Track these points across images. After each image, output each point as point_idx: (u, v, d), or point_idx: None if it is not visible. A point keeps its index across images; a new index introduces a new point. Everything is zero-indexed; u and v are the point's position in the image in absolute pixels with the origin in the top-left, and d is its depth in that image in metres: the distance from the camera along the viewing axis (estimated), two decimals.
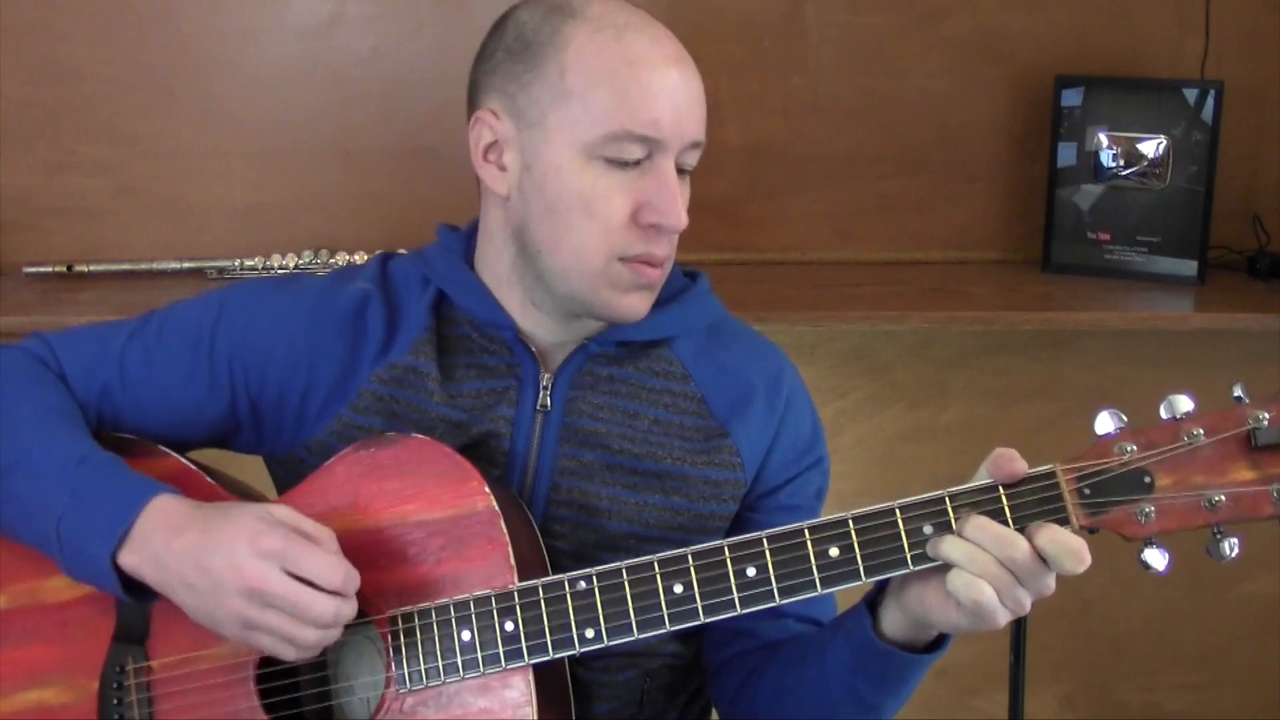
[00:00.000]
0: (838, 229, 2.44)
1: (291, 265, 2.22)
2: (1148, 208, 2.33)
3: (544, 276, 1.29)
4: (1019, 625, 1.97)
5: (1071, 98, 2.33)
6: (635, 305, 1.29)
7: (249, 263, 2.23)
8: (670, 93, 1.25)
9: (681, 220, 1.25)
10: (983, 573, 1.11)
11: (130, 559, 1.19)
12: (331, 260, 2.21)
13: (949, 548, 1.12)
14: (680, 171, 1.28)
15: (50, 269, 2.23)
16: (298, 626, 1.16)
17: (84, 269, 2.24)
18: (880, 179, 2.42)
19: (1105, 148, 2.32)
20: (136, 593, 1.22)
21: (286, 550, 1.16)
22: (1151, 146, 2.31)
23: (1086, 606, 2.53)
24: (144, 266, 2.26)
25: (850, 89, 2.38)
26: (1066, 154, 2.35)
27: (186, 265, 2.25)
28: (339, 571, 1.17)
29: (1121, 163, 2.32)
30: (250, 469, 1.41)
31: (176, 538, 1.19)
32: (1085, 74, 2.34)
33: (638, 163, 1.25)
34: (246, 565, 1.16)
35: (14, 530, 1.26)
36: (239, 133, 2.28)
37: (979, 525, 1.12)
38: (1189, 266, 2.32)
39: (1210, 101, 2.26)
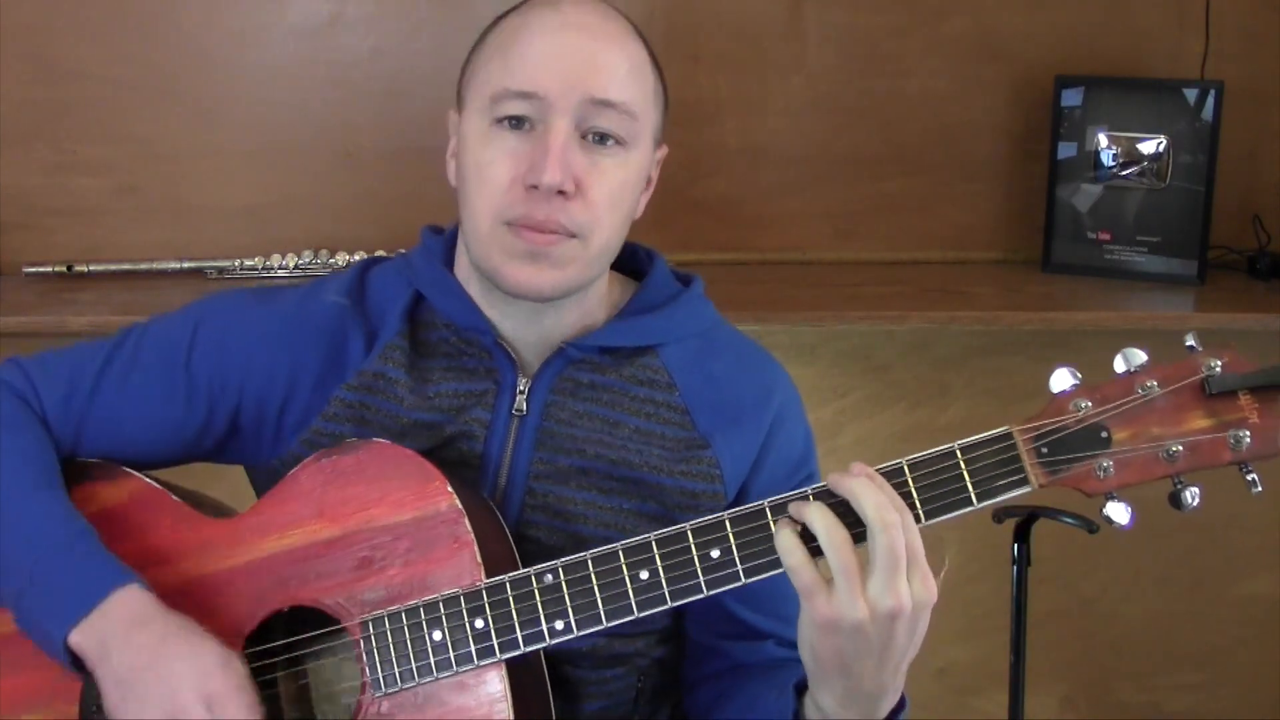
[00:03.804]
0: (838, 229, 2.44)
1: (291, 265, 2.22)
2: (1148, 208, 2.33)
3: (468, 251, 1.30)
4: (1019, 625, 1.97)
5: (1071, 98, 2.33)
6: (526, 276, 1.25)
7: (249, 263, 2.23)
8: (556, 52, 1.23)
9: (552, 176, 1.21)
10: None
11: (78, 638, 1.20)
12: (331, 260, 2.21)
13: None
14: (596, 145, 1.24)
15: (50, 269, 2.23)
16: None
17: (84, 269, 2.24)
18: (880, 179, 2.42)
19: (1105, 147, 2.33)
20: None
21: (225, 699, 1.17)
22: (1151, 146, 2.31)
23: (1086, 606, 2.53)
24: (144, 266, 2.26)
25: (850, 89, 2.38)
26: (1066, 154, 2.35)
27: (186, 265, 2.25)
28: None
29: (1121, 162, 2.32)
30: (229, 477, 1.42)
31: (133, 632, 1.19)
32: (1085, 74, 2.34)
33: (532, 128, 1.23)
34: (181, 695, 1.16)
35: None
36: (239, 133, 2.28)
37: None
38: (1189, 266, 2.32)
39: (1210, 101, 2.26)
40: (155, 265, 2.26)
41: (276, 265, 2.22)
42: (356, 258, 2.19)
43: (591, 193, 1.24)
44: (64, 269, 2.23)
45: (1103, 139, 2.33)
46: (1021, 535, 1.95)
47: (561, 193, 1.22)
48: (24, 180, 2.25)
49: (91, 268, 2.24)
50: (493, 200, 1.24)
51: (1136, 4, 2.39)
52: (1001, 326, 2.26)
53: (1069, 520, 1.84)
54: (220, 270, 2.24)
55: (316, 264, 2.21)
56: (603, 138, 1.25)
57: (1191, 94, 2.28)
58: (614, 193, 1.26)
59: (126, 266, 2.26)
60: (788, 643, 1.36)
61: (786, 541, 1.12)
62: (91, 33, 2.23)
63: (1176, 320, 2.23)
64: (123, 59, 2.24)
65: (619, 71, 1.25)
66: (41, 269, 2.23)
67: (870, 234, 2.44)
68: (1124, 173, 2.33)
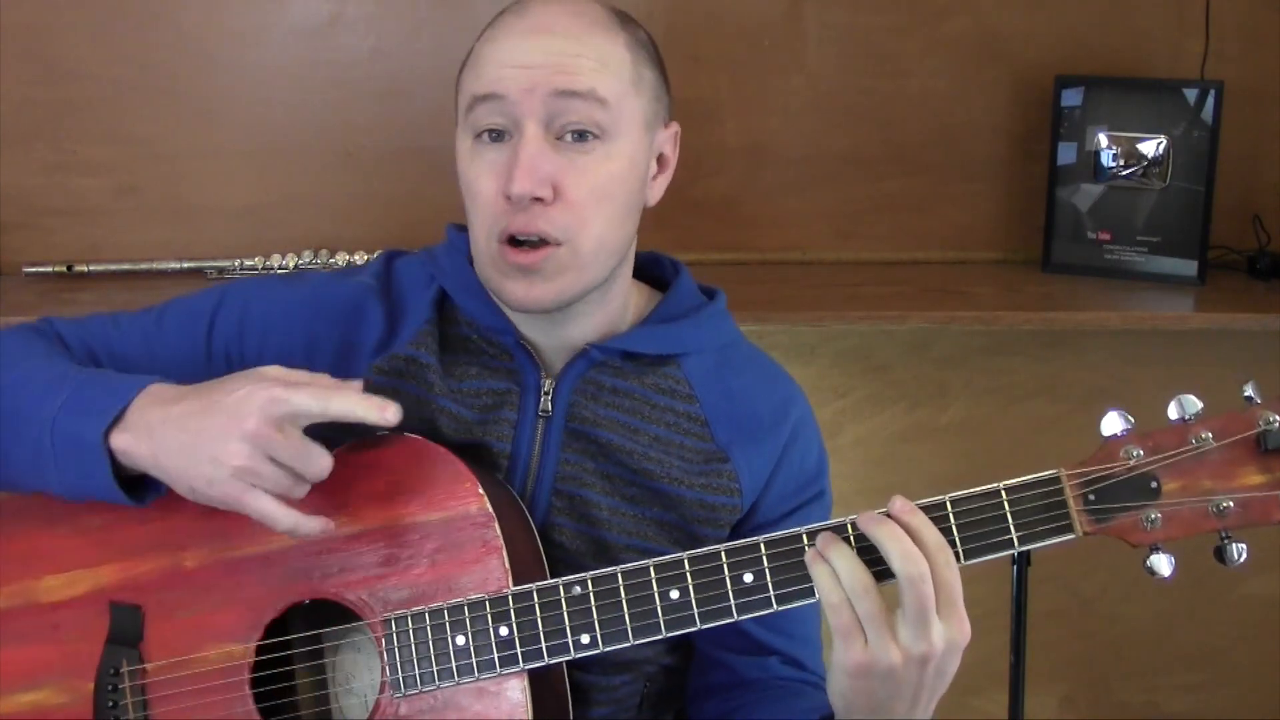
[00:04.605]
0: (838, 229, 2.44)
1: (291, 265, 2.22)
2: (1148, 208, 2.33)
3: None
4: (1019, 625, 1.97)
5: (1071, 98, 2.33)
6: (523, 292, 1.24)
7: (249, 263, 2.23)
8: (517, 53, 1.22)
9: (520, 185, 1.20)
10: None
11: (122, 438, 1.18)
12: (331, 260, 2.21)
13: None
14: (572, 145, 1.23)
15: (50, 269, 2.23)
16: (296, 484, 1.16)
17: (84, 269, 2.24)
18: (880, 179, 2.42)
19: (1105, 148, 2.32)
20: (131, 491, 1.21)
21: (280, 395, 1.15)
22: (1151, 146, 2.30)
23: (1086, 606, 2.53)
24: (144, 266, 2.26)
25: (850, 89, 2.38)
26: (1066, 154, 2.35)
27: (186, 265, 2.25)
28: (326, 389, 1.16)
29: (1121, 163, 2.32)
30: None
31: (172, 406, 1.18)
32: (1085, 74, 2.34)
33: (510, 137, 1.23)
34: (249, 414, 1.14)
35: (4, 449, 1.24)
36: (239, 133, 2.28)
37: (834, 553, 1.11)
38: (1189, 266, 2.32)
39: (1210, 101, 2.26)
40: (155, 265, 2.26)
41: (276, 265, 2.22)
42: (357, 257, 2.20)
43: (571, 193, 1.22)
44: (64, 269, 2.23)
45: (1103, 139, 2.32)
46: None
47: (540, 199, 1.21)
48: (24, 180, 2.25)
49: (91, 268, 2.24)
50: (484, 216, 1.24)
51: (1136, 4, 2.39)
52: (1001, 326, 2.26)
53: None
54: (220, 270, 2.24)
55: (316, 264, 2.21)
56: (581, 135, 1.23)
57: (1191, 94, 2.28)
58: (599, 189, 1.24)
59: (126, 266, 2.26)
60: (792, 660, 1.36)
61: (826, 581, 1.11)
62: (91, 33, 2.23)
63: (1176, 320, 2.23)
64: (123, 59, 2.24)
65: (583, 63, 1.23)
66: (41, 269, 2.23)
67: (870, 234, 2.44)
68: (1124, 173, 2.33)
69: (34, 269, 2.23)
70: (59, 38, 2.23)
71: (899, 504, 1.12)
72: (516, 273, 1.24)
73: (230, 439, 1.14)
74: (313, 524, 1.17)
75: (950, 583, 1.09)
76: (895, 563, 1.08)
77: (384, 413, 1.16)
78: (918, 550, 1.09)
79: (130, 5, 2.23)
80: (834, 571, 1.10)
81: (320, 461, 1.16)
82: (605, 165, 1.24)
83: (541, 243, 1.23)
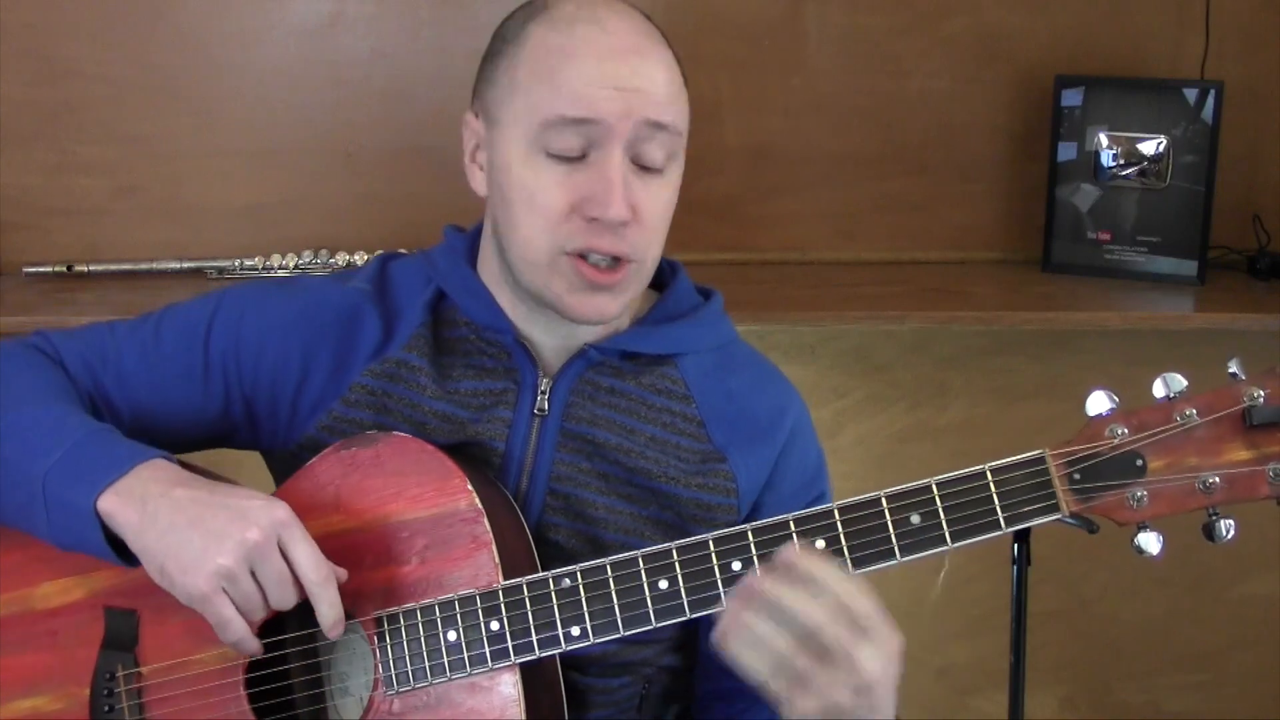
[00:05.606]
0: (838, 229, 2.44)
1: (291, 265, 2.22)
2: (1148, 208, 2.33)
3: (512, 271, 1.29)
4: (1019, 625, 1.97)
5: (1071, 98, 2.33)
6: (593, 307, 1.25)
7: (249, 263, 2.23)
8: (609, 77, 1.21)
9: (618, 212, 1.20)
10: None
11: (111, 501, 1.17)
12: (331, 260, 2.21)
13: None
14: (645, 169, 1.24)
15: (50, 269, 2.23)
16: (259, 609, 1.16)
17: (84, 269, 2.24)
18: (880, 179, 2.42)
19: (1105, 147, 2.33)
20: (122, 552, 1.20)
21: (293, 527, 1.16)
22: (1151, 146, 2.31)
23: (1086, 606, 2.53)
24: (144, 266, 2.26)
25: (850, 89, 2.38)
26: (1066, 154, 2.35)
27: (186, 265, 2.25)
28: (325, 567, 1.17)
29: (1121, 162, 2.32)
30: (249, 465, 1.42)
31: (175, 488, 1.18)
32: (1085, 74, 2.34)
33: (583, 156, 1.22)
34: (256, 523, 1.15)
35: None
36: (239, 133, 2.28)
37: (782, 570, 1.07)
38: (1189, 266, 2.32)
39: (1210, 101, 2.26)
40: (155, 265, 2.26)
41: (276, 265, 2.22)
42: (356, 258, 2.20)
43: (645, 217, 1.24)
44: (64, 269, 2.23)
45: (1103, 139, 2.32)
46: (1021, 535, 1.95)
47: (623, 222, 1.22)
48: (24, 180, 2.25)
49: (91, 268, 2.24)
50: (549, 230, 1.23)
51: (1136, 4, 2.39)
52: (1001, 326, 2.26)
53: (1069, 520, 1.84)
54: (220, 270, 2.24)
55: (316, 264, 2.21)
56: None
57: (1191, 94, 2.28)
58: (664, 212, 1.26)
59: (126, 266, 2.26)
60: None
61: (749, 655, 1.07)
62: (91, 32, 2.23)
63: (1176, 320, 2.23)
64: (123, 59, 2.24)
65: (669, 91, 1.24)
66: (41, 269, 2.23)
67: (870, 234, 2.44)
68: (1124, 173, 2.33)
69: (34, 269, 2.23)
70: (59, 37, 2.23)
71: (784, 555, 1.09)
72: (588, 288, 1.24)
73: (228, 538, 1.14)
74: (255, 645, 1.19)
75: (859, 611, 1.05)
76: (799, 621, 1.05)
77: (331, 631, 1.18)
78: (811, 602, 1.05)
79: (130, 5, 2.23)
80: (758, 638, 1.06)
81: (293, 598, 1.17)
82: (668, 190, 1.27)
83: (616, 261, 1.24)
